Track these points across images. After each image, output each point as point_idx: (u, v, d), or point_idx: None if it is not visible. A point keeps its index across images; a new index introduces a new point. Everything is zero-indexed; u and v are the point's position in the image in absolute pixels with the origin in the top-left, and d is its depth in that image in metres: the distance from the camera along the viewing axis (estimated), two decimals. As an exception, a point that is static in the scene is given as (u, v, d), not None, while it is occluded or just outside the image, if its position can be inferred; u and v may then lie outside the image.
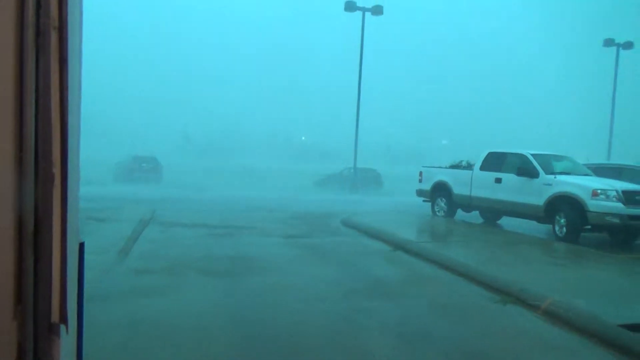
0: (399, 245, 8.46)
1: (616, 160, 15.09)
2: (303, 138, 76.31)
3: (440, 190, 13.55)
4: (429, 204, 13.94)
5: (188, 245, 7.92)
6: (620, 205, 9.61)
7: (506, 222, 13.02)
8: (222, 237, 8.82)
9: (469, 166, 13.15)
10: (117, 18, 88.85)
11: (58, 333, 1.21)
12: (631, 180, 11.02)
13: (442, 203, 13.44)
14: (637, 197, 9.88)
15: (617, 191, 9.75)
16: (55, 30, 1.16)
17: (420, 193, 14.37)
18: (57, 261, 1.23)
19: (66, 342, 1.32)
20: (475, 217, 13.58)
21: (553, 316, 4.79)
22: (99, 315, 4.28)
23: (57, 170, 1.17)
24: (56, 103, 1.17)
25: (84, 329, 1.73)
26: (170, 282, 5.58)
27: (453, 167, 13.91)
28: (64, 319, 1.26)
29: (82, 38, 1.48)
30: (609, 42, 29.38)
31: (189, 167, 37.76)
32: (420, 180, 14.36)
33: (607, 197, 9.71)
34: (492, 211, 12.83)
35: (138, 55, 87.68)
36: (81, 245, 1.58)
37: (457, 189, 12.90)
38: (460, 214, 13.43)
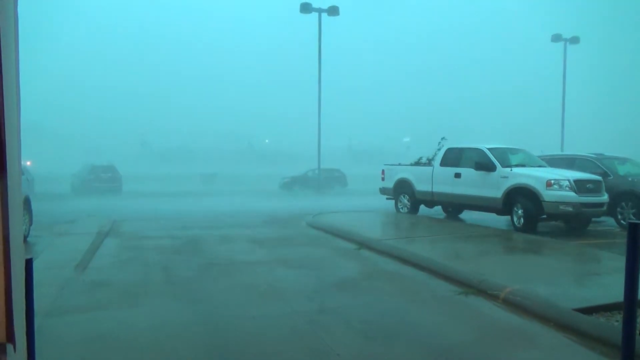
0: (363, 244, 8.55)
1: (569, 151, 15.71)
2: (267, 141, 76.03)
3: (402, 187, 13.77)
4: (393, 201, 14.15)
5: (153, 251, 7.78)
6: (572, 194, 10.01)
7: (467, 215, 13.35)
8: (186, 245, 8.70)
9: (430, 163, 13.41)
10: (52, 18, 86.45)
11: (5, 352, 1.19)
12: (583, 170, 11.48)
13: (404, 200, 13.67)
14: (588, 186, 10.31)
15: (569, 181, 10.14)
16: None
17: (383, 191, 14.58)
18: (1, 279, 1.20)
19: (15, 360, 1.29)
20: (437, 212, 13.87)
21: (512, 304, 4.97)
22: (56, 331, 4.18)
23: None
24: None
25: (36, 346, 1.70)
26: (131, 294, 5.46)
27: (414, 164, 14.16)
28: (10, 338, 1.23)
29: (18, 42, 1.45)
30: (556, 38, 30.58)
31: (149, 176, 36.99)
32: (382, 179, 14.57)
33: (561, 187, 10.09)
34: (454, 205, 13.14)
35: (89, 63, 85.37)
36: (28, 262, 1.55)
37: (419, 186, 13.15)
38: (423, 209, 13.69)
